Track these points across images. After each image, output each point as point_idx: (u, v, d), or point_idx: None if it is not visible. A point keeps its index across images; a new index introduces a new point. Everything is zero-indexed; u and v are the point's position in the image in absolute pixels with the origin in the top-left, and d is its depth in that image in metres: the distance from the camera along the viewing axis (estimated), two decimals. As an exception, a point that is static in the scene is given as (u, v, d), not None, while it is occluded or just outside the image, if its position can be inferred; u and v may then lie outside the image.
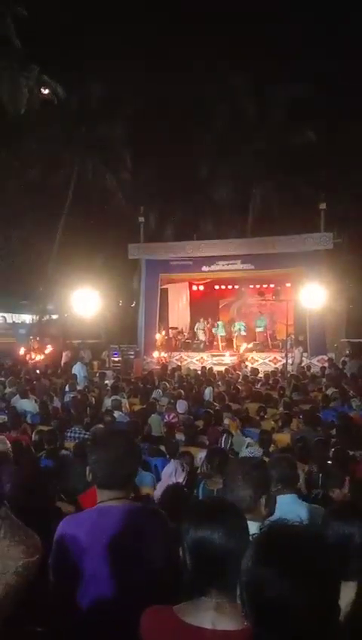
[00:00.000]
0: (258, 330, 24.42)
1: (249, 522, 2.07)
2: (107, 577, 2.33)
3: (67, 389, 14.27)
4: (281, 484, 3.88)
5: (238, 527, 1.93)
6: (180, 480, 5.88)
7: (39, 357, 22.49)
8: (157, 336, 23.63)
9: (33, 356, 22.55)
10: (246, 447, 6.89)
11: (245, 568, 1.47)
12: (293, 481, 3.98)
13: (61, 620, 2.36)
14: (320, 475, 5.74)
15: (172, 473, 6.00)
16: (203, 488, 5.37)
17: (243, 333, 24.07)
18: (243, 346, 23.39)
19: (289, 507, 3.62)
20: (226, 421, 9.87)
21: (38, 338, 24.94)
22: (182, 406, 11.34)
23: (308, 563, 1.44)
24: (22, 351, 22.84)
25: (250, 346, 23.50)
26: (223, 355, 23.06)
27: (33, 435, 8.59)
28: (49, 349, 23.70)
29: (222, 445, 7.62)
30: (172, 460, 6.56)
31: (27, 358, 22.05)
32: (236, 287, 25.67)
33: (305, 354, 21.60)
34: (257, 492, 2.66)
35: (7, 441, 5.84)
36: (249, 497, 2.64)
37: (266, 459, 4.87)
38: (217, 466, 5.31)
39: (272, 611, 1.40)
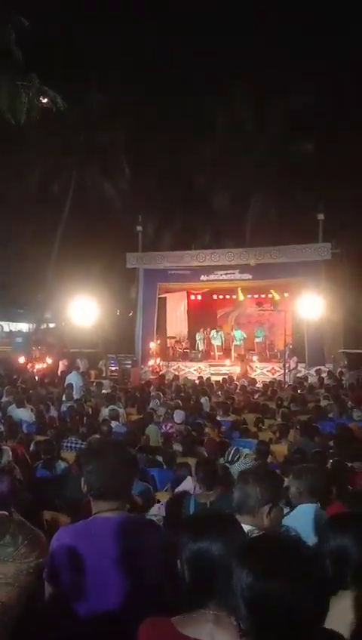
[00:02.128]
0: (257, 340, 24.41)
1: (244, 527, 2.04)
2: (104, 589, 2.31)
3: (64, 398, 14.19)
4: (303, 492, 3.88)
5: (236, 539, 1.90)
6: None
7: (40, 365, 22.39)
8: (152, 345, 23.54)
9: (35, 365, 22.40)
10: (245, 457, 6.81)
11: (246, 583, 1.48)
12: (315, 491, 3.96)
13: (58, 631, 2.33)
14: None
15: (190, 490, 5.87)
16: (194, 503, 4.88)
17: (237, 342, 24.01)
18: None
19: (301, 517, 3.66)
20: (206, 430, 9.91)
21: (39, 347, 24.90)
22: (179, 416, 11.28)
23: (295, 572, 1.47)
24: (21, 360, 22.74)
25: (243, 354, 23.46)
26: (222, 365, 23.01)
27: (30, 445, 8.53)
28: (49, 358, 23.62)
29: (230, 458, 7.23)
30: (188, 476, 6.39)
31: (28, 367, 21.91)
32: (234, 296, 25.66)
33: (301, 364, 21.55)
34: (263, 497, 2.64)
35: (10, 452, 5.83)
36: (255, 498, 2.62)
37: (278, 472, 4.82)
38: (203, 478, 4.89)
39: (274, 622, 1.42)
